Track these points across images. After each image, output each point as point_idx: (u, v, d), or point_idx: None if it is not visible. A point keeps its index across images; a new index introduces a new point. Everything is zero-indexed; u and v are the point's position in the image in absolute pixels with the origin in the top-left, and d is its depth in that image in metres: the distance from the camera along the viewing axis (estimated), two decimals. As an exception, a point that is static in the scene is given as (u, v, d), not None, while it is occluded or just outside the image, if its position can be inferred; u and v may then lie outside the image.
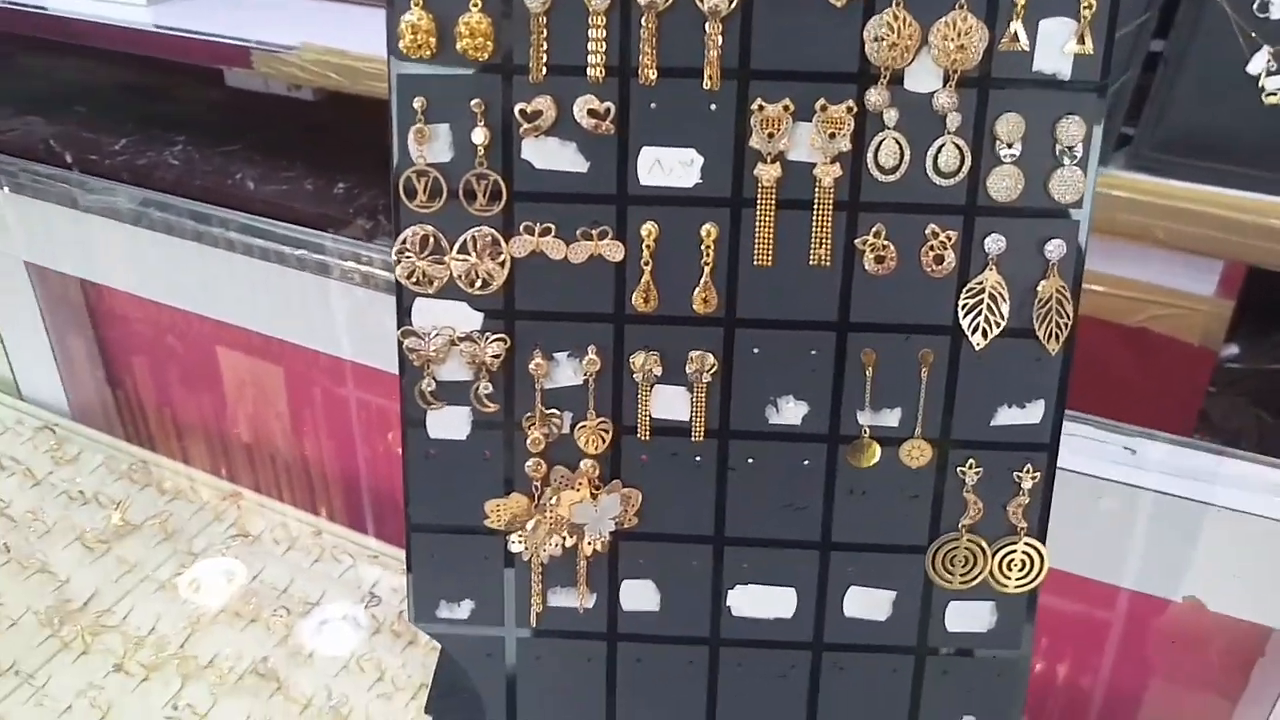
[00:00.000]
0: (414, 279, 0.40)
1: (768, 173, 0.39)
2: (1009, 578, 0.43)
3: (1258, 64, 0.78)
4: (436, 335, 0.41)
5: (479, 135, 0.39)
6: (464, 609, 0.45)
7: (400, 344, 0.41)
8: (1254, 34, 0.77)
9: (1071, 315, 0.40)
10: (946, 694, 0.45)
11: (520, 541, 0.43)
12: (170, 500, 0.93)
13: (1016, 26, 0.37)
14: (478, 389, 0.42)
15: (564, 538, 0.43)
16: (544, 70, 0.38)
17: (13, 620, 0.82)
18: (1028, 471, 0.42)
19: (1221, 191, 0.80)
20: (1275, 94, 0.78)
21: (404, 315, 0.41)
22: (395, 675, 0.76)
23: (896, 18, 0.37)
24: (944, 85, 0.38)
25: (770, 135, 0.38)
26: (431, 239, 0.40)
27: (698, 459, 0.42)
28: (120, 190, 0.87)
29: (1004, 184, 0.39)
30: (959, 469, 0.42)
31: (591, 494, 0.42)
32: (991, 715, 0.45)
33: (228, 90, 1.26)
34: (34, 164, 0.95)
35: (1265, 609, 0.62)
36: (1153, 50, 0.84)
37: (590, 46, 0.38)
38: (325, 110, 1.15)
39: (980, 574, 0.43)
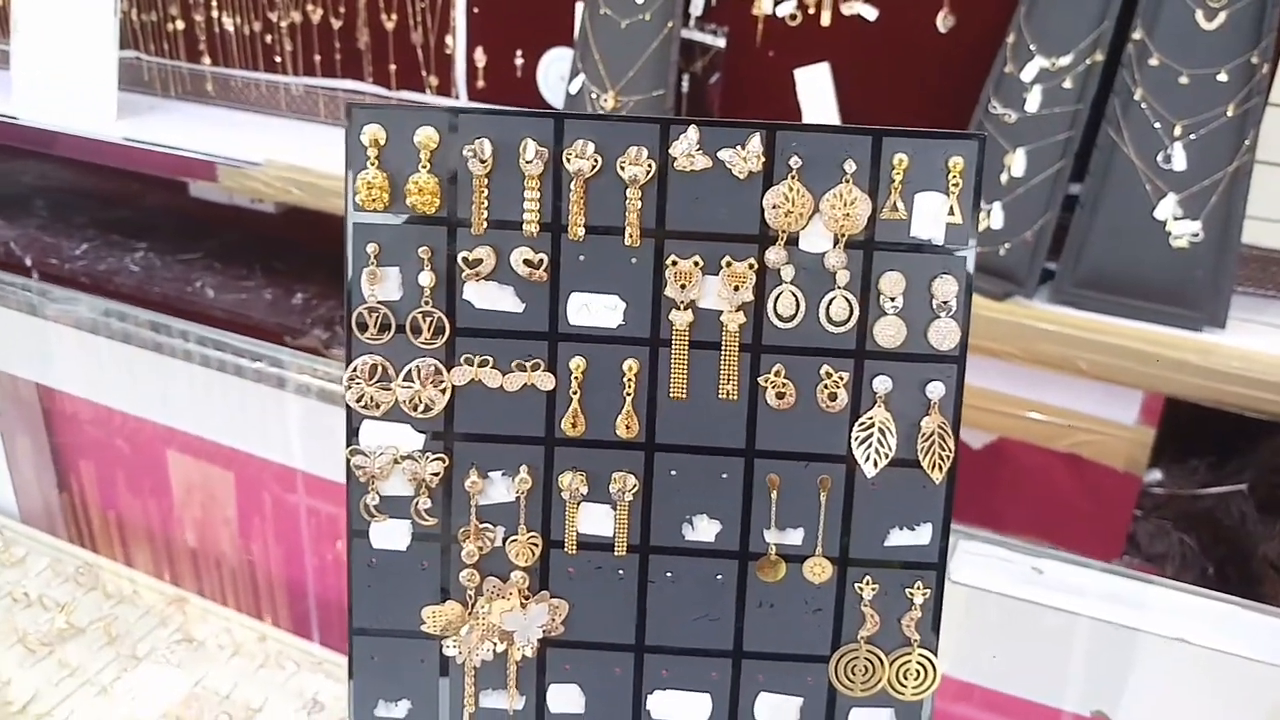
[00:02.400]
0: (362, 403, 0.46)
1: (681, 318, 0.45)
2: (905, 685, 0.48)
3: (1165, 210, 0.88)
4: (381, 454, 0.46)
5: (425, 278, 0.45)
6: (401, 709, 0.49)
7: (348, 461, 0.47)
8: (1160, 182, 0.87)
9: (952, 448, 0.46)
10: (850, 797, 0.49)
11: (455, 646, 0.48)
12: (115, 604, 0.95)
13: (895, 199, 0.44)
14: (417, 504, 0.47)
15: (495, 644, 0.48)
16: (485, 224, 0.45)
17: None
18: (919, 588, 0.47)
19: (1139, 326, 0.89)
20: (1181, 237, 0.88)
21: (352, 435, 0.47)
22: (340, 785, 0.78)
23: (792, 188, 0.44)
24: (834, 246, 0.45)
25: (683, 286, 0.45)
26: (380, 367, 0.46)
27: (620, 572, 0.48)
28: (82, 299, 0.92)
29: (888, 332, 0.45)
30: (856, 585, 0.47)
31: (521, 603, 0.47)
32: (892, 818, 0.49)
33: (190, 200, 1.33)
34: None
35: None
36: (1071, 193, 0.93)
37: (526, 206, 0.44)
38: (285, 222, 1.22)
39: (879, 682, 0.48)
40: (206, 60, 1.24)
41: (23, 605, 0.94)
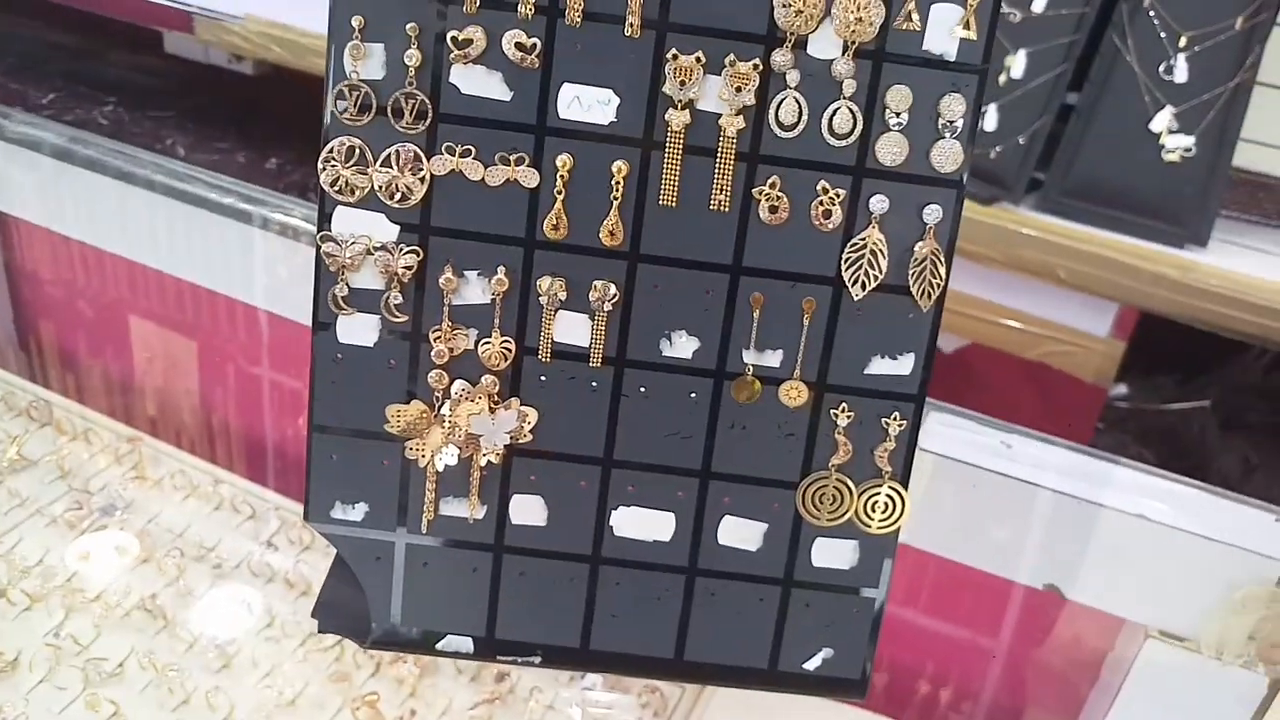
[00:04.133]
0: (336, 186, 0.45)
1: (678, 118, 0.44)
2: (872, 518, 0.49)
3: (1160, 122, 0.88)
4: (354, 243, 0.45)
5: (411, 56, 0.43)
6: (358, 511, 0.49)
7: (318, 249, 0.45)
8: (1159, 94, 0.86)
9: (944, 276, 0.46)
10: (808, 626, 0.50)
11: (417, 449, 0.47)
12: (70, 440, 0.94)
13: (911, 7, 0.43)
14: (388, 299, 0.46)
15: (460, 448, 0.47)
16: (477, 2, 0.43)
17: None
18: (895, 419, 0.47)
19: (1121, 238, 0.90)
20: (1174, 151, 0.88)
21: (324, 221, 0.45)
22: (285, 622, 0.79)
23: (803, -14, 0.42)
24: (843, 54, 0.43)
25: (682, 83, 0.43)
26: (357, 150, 0.44)
27: (593, 384, 0.47)
28: (49, 126, 0.89)
29: (891, 149, 0.44)
30: (832, 411, 0.47)
31: (490, 408, 0.47)
32: (847, 649, 0.50)
33: (166, 57, 1.28)
34: None
35: (1119, 602, 0.69)
36: (1067, 102, 0.92)
37: (522, -17, 0.42)
38: (263, 86, 1.18)
39: (846, 513, 0.49)
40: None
41: None
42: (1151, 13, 0.85)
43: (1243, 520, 0.64)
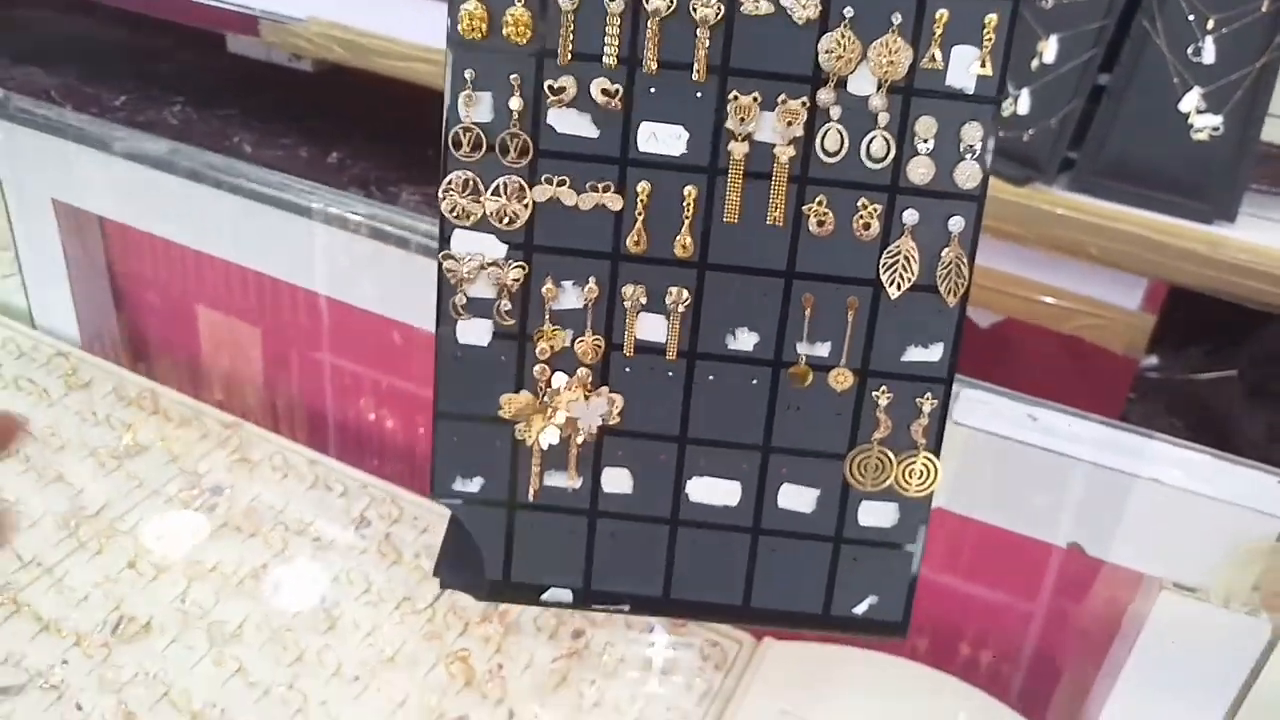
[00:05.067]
0: (455, 213, 0.54)
1: (739, 149, 0.53)
2: (910, 483, 0.57)
3: (1189, 103, 0.92)
4: (470, 260, 0.55)
5: (515, 103, 0.52)
6: (475, 484, 0.58)
7: (440, 265, 0.55)
8: (1187, 75, 0.91)
9: (967, 277, 0.54)
10: (856, 576, 0.59)
11: (524, 430, 0.57)
12: (176, 426, 1.05)
13: (935, 50, 0.51)
14: (499, 305, 0.55)
15: (560, 429, 0.57)
16: (570, 56, 0.52)
17: (33, 520, 0.94)
18: (928, 398, 0.56)
19: (1151, 215, 0.93)
20: (1203, 130, 0.93)
21: (444, 242, 0.55)
22: (380, 588, 0.88)
23: (844, 36, 0.51)
24: (877, 90, 0.52)
25: (742, 119, 0.52)
26: (471, 182, 0.54)
27: (670, 373, 0.56)
28: (148, 138, 0.98)
29: (920, 170, 0.53)
30: (874, 393, 0.56)
31: (585, 395, 0.56)
32: (890, 595, 0.59)
33: (228, 56, 1.35)
34: (67, 110, 1.06)
35: (1136, 557, 0.77)
36: (1098, 84, 0.96)
37: (606, 41, 0.51)
38: (323, 82, 1.25)
39: (887, 479, 0.57)
40: (248, -88, 1.26)
41: (91, 424, 1.04)
42: (1181, -3, 0.87)
43: (1248, 482, 0.71)
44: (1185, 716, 0.76)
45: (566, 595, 0.60)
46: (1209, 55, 0.89)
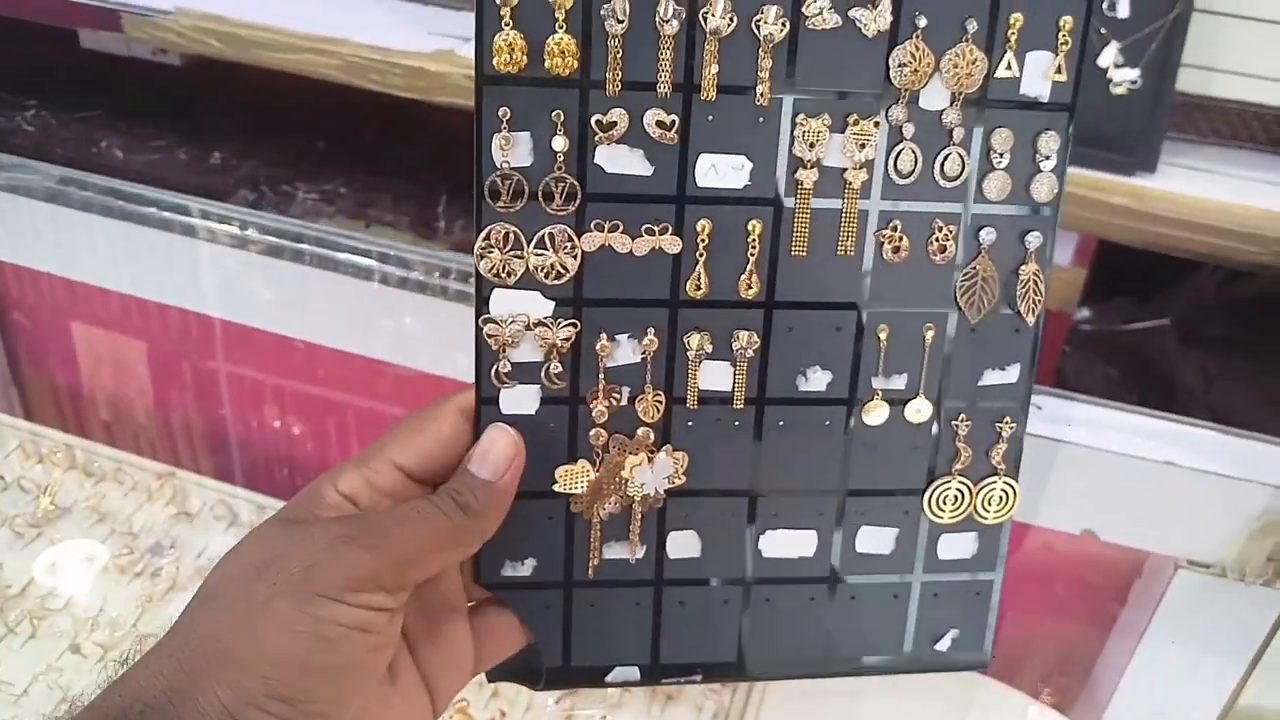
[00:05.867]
0: (494, 272, 0.48)
1: (808, 176, 0.48)
2: (989, 511, 0.55)
3: (1107, 58, 0.92)
4: (512, 322, 0.48)
5: (559, 143, 0.46)
6: (527, 567, 0.52)
7: (479, 330, 0.48)
8: (1104, 30, 0.91)
9: (1044, 293, 0.52)
10: (937, 612, 0.56)
11: (581, 503, 0.51)
12: (98, 483, 0.94)
13: (1010, 58, 0.48)
14: (548, 368, 0.49)
15: (622, 497, 0.51)
16: (619, 86, 0.46)
17: None
18: (1007, 422, 0.53)
19: (1076, 171, 0.93)
20: (1121, 84, 0.93)
21: (482, 304, 0.48)
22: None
23: (917, 48, 0.47)
24: (951, 104, 0.48)
25: (811, 145, 0.48)
26: (512, 235, 0.47)
27: (737, 423, 0.52)
28: (35, 167, 0.86)
29: (995, 186, 0.50)
30: (952, 422, 0.53)
31: (649, 458, 0.51)
32: (970, 627, 0.57)
33: (81, 52, 1.22)
34: None
35: (1144, 537, 0.78)
36: None
37: (660, 66, 0.46)
38: (192, 77, 1.14)
39: (966, 510, 0.55)
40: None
41: (0, 488, 0.92)
42: (1091, -50, 0.89)
43: (1258, 458, 0.73)
44: (1201, 686, 0.78)
45: (634, 674, 0.55)
46: (1124, 9, 0.89)
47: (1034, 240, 0.51)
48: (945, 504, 0.55)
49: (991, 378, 0.53)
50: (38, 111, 1.26)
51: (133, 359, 1.04)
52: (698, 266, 0.49)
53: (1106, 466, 0.74)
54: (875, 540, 0.55)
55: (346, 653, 0.43)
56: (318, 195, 1.18)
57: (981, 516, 0.55)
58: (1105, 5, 0.91)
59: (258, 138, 1.23)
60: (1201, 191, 0.88)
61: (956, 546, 0.56)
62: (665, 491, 0.52)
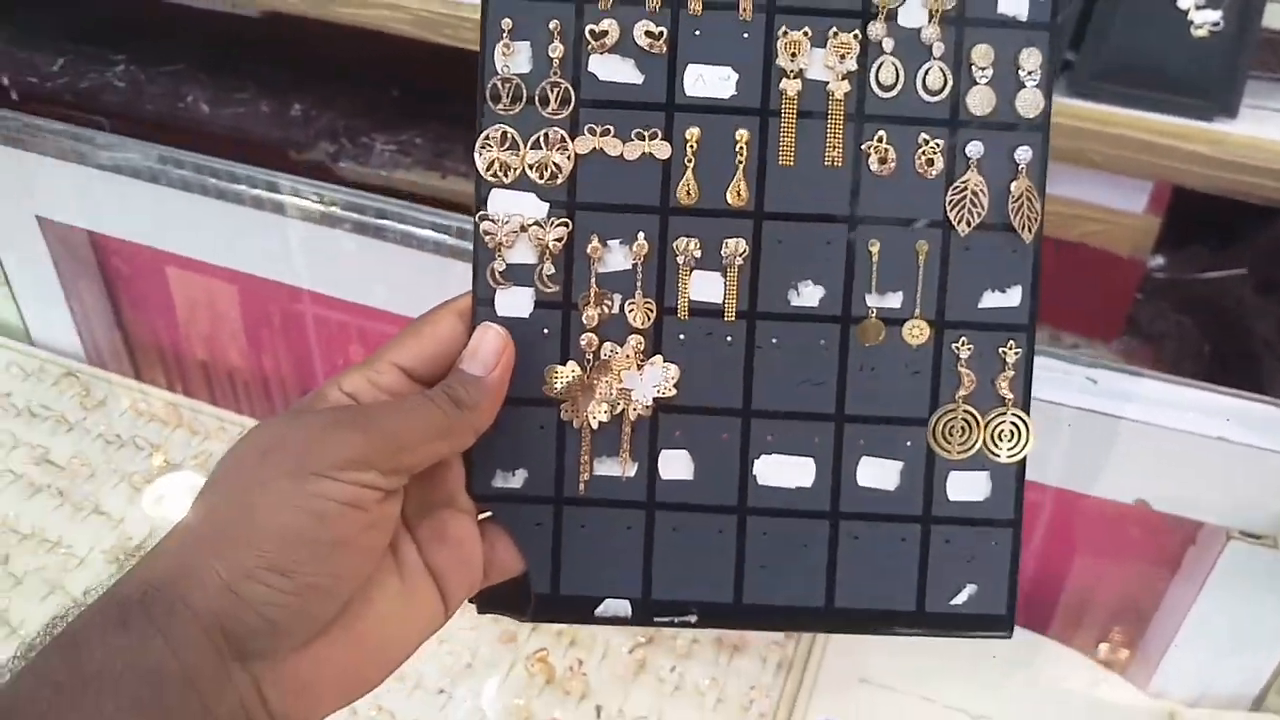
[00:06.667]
0: (491, 170, 0.51)
1: (791, 86, 0.51)
2: (1000, 448, 0.53)
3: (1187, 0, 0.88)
4: (508, 221, 0.51)
5: (555, 50, 0.50)
6: (518, 478, 0.53)
7: (476, 228, 0.51)
8: None
9: (1039, 210, 0.52)
10: (951, 562, 0.53)
11: (571, 410, 0.52)
12: (204, 440, 0.98)
13: (984, -25, 0.51)
14: (541, 271, 0.52)
15: (611, 404, 0.52)
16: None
17: (80, 559, 0.88)
18: (1011, 347, 0.52)
19: (1151, 116, 0.88)
20: (1202, 27, 0.90)
21: (481, 203, 0.51)
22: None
23: (891, -35, 0.50)
24: (929, 21, 0.51)
25: (793, 55, 0.51)
26: (510, 136, 0.51)
27: (729, 338, 0.52)
28: (131, 145, 0.95)
29: (979, 100, 0.51)
30: (953, 345, 0.52)
31: (638, 365, 0.52)
32: (990, 582, 0.53)
33: (161, 5, 1.27)
34: (40, 119, 1.02)
35: (1196, 508, 0.73)
36: None
37: (649, -18, 0.50)
38: (268, 27, 1.15)
39: (975, 443, 0.53)
40: None
41: (116, 446, 0.98)
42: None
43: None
44: (1253, 650, 0.73)
45: (625, 608, 0.53)
46: None
47: (1024, 155, 0.52)
48: (952, 435, 0.53)
49: (991, 300, 0.52)
50: (126, 66, 1.33)
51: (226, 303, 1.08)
52: (687, 173, 0.52)
53: (1159, 439, 0.71)
54: (878, 473, 0.53)
55: (339, 528, 0.44)
56: (395, 146, 1.23)
57: (993, 453, 0.53)
58: (1187, -54, 0.87)
59: (333, 90, 1.29)
60: (1282, 136, 0.83)
61: (967, 486, 0.53)
62: (655, 401, 0.52)
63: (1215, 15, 0.84)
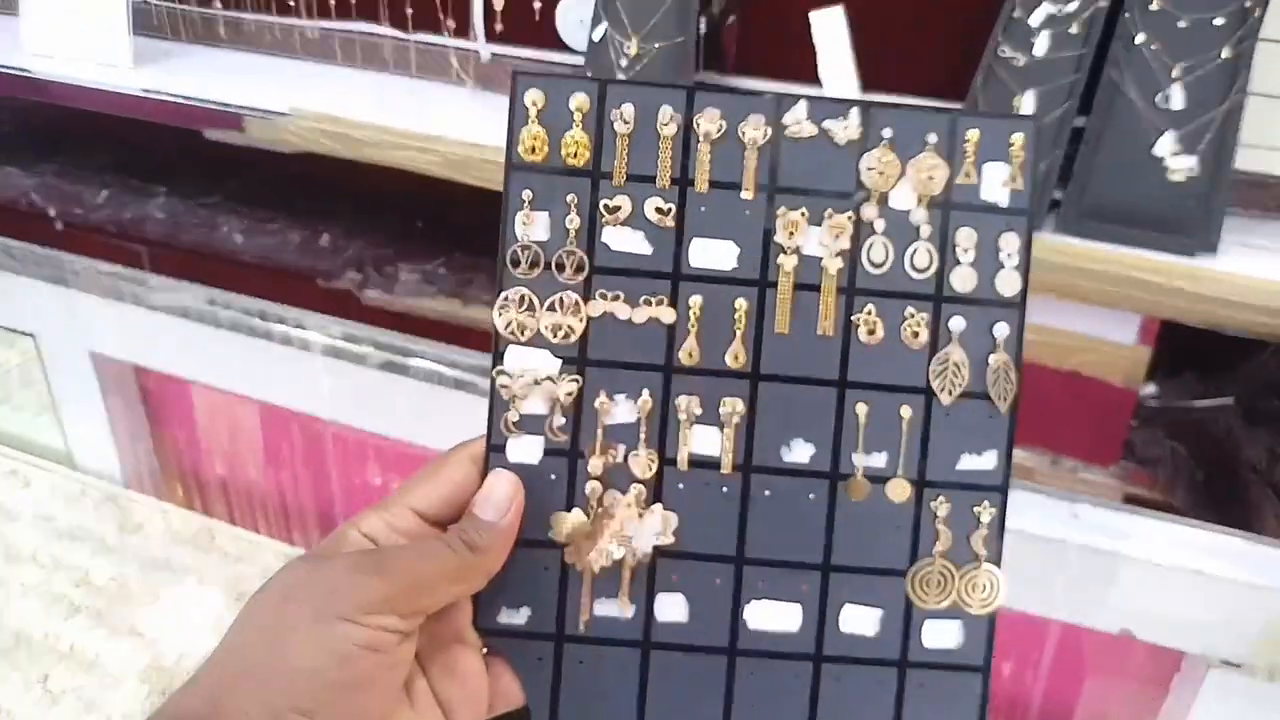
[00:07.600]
0: (509, 329, 0.55)
1: (788, 261, 0.55)
2: (973, 599, 0.57)
3: (1163, 147, 0.95)
4: (523, 375, 0.55)
5: (571, 221, 0.55)
6: (521, 615, 0.56)
7: (493, 381, 0.55)
8: (1159, 121, 0.95)
9: (1015, 382, 0.56)
10: (924, 702, 0.57)
11: (575, 554, 0.56)
12: (236, 562, 1.02)
13: (968, 167, 0.55)
14: (551, 421, 0.56)
15: (614, 549, 0.56)
16: (624, 177, 0.55)
17: (115, 678, 0.90)
18: (985, 507, 0.57)
19: (1136, 253, 0.93)
20: (1178, 172, 0.95)
21: (498, 359, 0.56)
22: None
23: (884, 155, 0.55)
24: (918, 205, 0.56)
25: (790, 234, 0.55)
26: (527, 298, 0.55)
27: (725, 489, 0.56)
28: (186, 288, 1.00)
29: (962, 279, 0.56)
30: (932, 503, 0.56)
31: (640, 513, 0.56)
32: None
33: (203, 141, 1.32)
34: (96, 260, 1.07)
35: (1180, 638, 0.77)
36: (1078, 126, 0.97)
37: (659, 162, 0.55)
38: (301, 162, 1.22)
39: (950, 594, 0.57)
40: (217, 3, 1.27)
41: (152, 567, 1.01)
42: (1144, 48, 0.91)
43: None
44: None
45: (619, 742, 0.57)
46: (1177, 101, 0.91)
47: (1001, 331, 0.56)
48: (929, 587, 0.57)
49: (968, 463, 0.57)
50: (166, 198, 1.39)
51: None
52: (689, 337, 0.56)
53: (1141, 572, 0.75)
54: (860, 620, 0.57)
55: (361, 669, 0.48)
56: (419, 276, 1.28)
57: (966, 604, 0.57)
58: (1159, 98, 0.93)
59: (360, 222, 1.35)
60: (1261, 272, 0.89)
61: (942, 635, 0.57)
62: (655, 549, 0.56)
63: (1191, 161, 0.89)
